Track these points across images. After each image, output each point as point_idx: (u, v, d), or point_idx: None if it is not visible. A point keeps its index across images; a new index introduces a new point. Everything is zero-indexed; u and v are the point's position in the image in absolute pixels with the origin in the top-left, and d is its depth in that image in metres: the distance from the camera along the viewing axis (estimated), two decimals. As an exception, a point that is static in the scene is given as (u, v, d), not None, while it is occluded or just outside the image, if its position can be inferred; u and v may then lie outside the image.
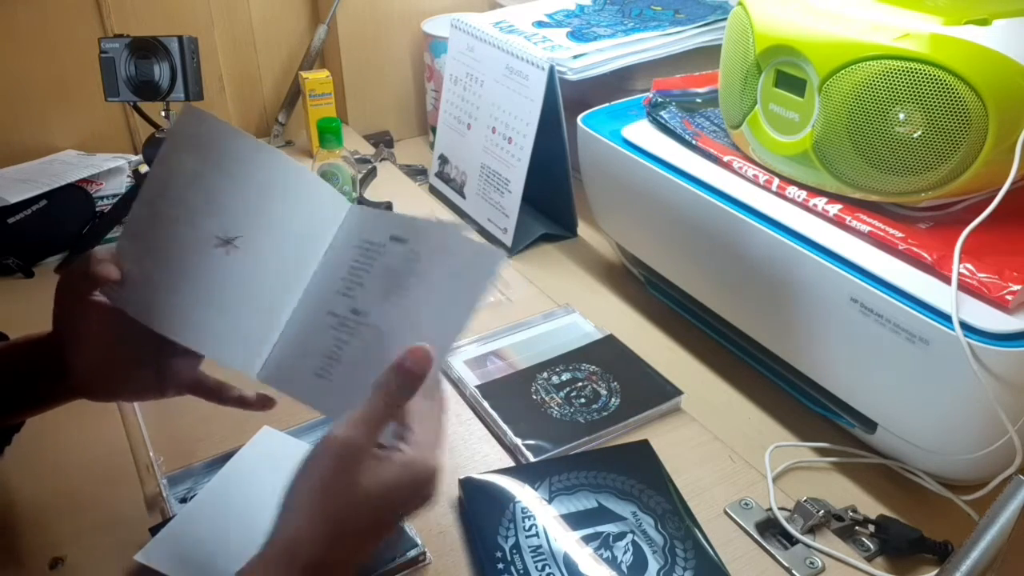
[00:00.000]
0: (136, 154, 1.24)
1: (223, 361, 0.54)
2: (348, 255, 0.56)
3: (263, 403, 0.62)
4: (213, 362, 0.57)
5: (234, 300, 0.54)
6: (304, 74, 1.31)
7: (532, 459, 0.71)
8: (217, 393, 0.61)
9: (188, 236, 0.54)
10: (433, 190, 1.27)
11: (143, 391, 0.59)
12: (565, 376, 0.80)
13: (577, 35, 1.13)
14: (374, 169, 1.30)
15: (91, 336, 0.54)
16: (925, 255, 0.63)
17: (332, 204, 0.58)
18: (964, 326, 0.59)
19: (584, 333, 0.88)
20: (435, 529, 0.65)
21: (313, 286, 0.57)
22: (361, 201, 1.16)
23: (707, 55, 1.09)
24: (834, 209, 0.70)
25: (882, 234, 0.66)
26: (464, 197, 1.17)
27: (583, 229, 1.14)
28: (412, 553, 0.62)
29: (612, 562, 0.61)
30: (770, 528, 0.65)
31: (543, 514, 0.64)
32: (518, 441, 0.72)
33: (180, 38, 0.99)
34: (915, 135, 0.64)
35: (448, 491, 0.69)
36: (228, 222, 0.55)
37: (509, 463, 0.72)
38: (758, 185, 0.77)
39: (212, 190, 0.55)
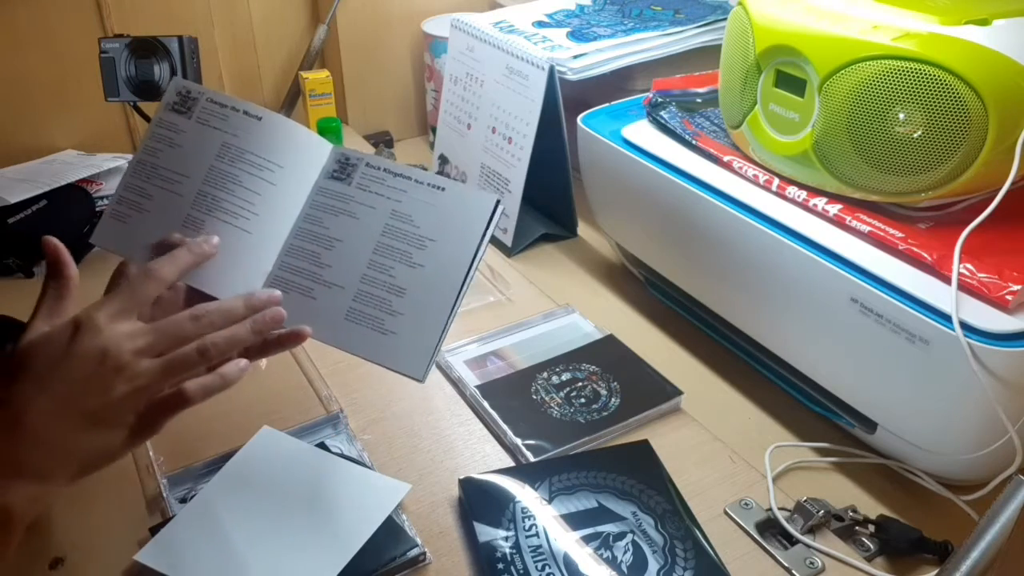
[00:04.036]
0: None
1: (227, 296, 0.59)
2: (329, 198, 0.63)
3: (296, 337, 0.61)
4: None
5: (240, 245, 0.58)
6: (304, 74, 1.31)
7: (532, 459, 0.71)
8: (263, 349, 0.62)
9: (188, 194, 0.60)
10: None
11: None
12: (565, 376, 0.80)
13: (577, 35, 1.13)
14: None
15: None
16: (925, 255, 0.63)
17: (316, 148, 0.64)
18: (964, 326, 0.59)
19: (584, 333, 0.88)
20: (435, 529, 0.65)
21: (300, 221, 0.62)
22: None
23: (707, 55, 1.09)
24: (834, 209, 0.70)
25: (882, 234, 0.66)
26: (464, 197, 1.17)
27: (583, 229, 1.13)
28: (412, 553, 0.62)
29: (612, 562, 0.61)
30: (770, 528, 0.65)
31: (543, 514, 0.64)
32: (518, 441, 0.72)
33: (180, 38, 1.00)
34: (915, 135, 0.64)
35: (448, 491, 0.69)
36: (225, 179, 0.60)
37: (509, 463, 0.72)
38: (758, 185, 0.77)
39: (203, 151, 0.61)
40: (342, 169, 0.63)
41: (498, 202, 0.59)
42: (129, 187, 0.61)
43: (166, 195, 0.60)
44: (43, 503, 0.51)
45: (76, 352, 0.50)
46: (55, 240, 0.55)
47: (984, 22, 0.63)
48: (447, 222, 0.60)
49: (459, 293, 0.58)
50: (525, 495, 0.66)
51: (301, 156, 0.62)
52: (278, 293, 0.58)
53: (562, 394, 0.78)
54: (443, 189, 0.60)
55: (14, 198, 1.02)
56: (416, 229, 0.60)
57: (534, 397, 0.78)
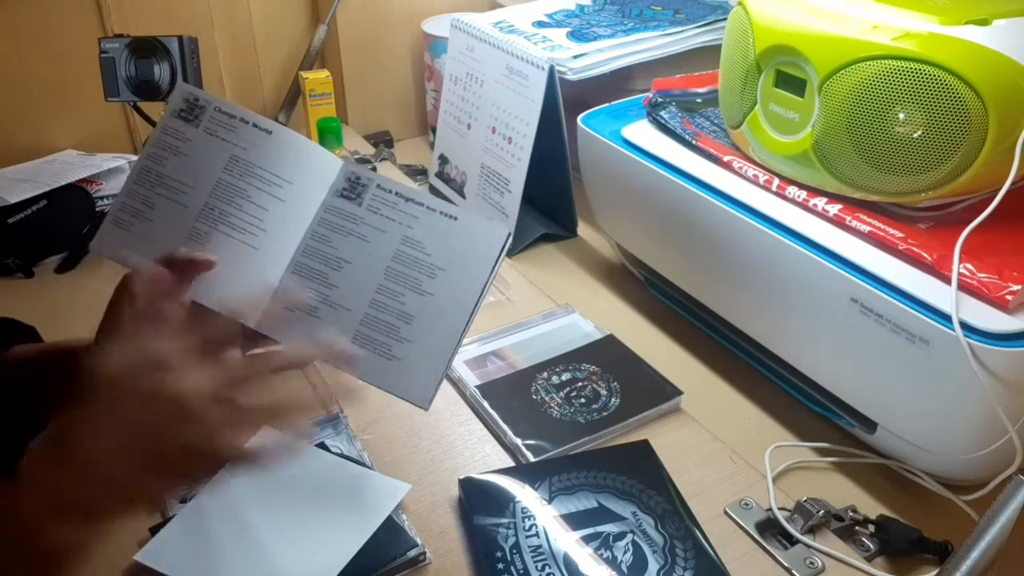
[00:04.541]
0: (136, 154, 1.24)
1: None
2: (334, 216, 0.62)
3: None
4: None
5: (247, 261, 0.58)
6: (304, 74, 1.31)
7: (532, 459, 0.71)
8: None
9: (194, 205, 0.59)
10: (433, 190, 1.27)
11: None
12: (565, 376, 0.80)
13: (577, 35, 1.13)
14: (374, 169, 1.30)
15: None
16: (925, 255, 0.63)
17: (326, 164, 0.62)
18: (964, 326, 0.59)
19: (584, 333, 0.88)
20: (435, 529, 0.65)
21: (308, 239, 0.61)
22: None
23: (707, 55, 1.09)
24: (834, 209, 0.70)
25: (882, 234, 0.66)
26: (464, 197, 1.17)
27: (583, 229, 1.14)
28: (412, 553, 0.62)
29: (612, 562, 0.61)
30: (770, 528, 0.65)
31: (543, 514, 0.64)
32: (518, 441, 0.72)
33: (180, 38, 1.00)
34: (915, 135, 0.64)
35: (448, 491, 0.69)
36: (232, 193, 0.59)
37: (509, 463, 0.72)
38: (758, 185, 0.77)
39: (210, 162, 0.60)
40: (352, 188, 0.62)
41: (509, 234, 0.59)
42: (132, 194, 0.60)
43: (171, 205, 0.59)
44: (84, 550, 0.46)
45: (152, 393, 0.46)
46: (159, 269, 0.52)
47: (984, 22, 0.63)
48: (458, 252, 0.59)
49: (467, 323, 0.58)
50: (525, 495, 0.66)
51: (311, 173, 0.62)
52: (361, 352, 0.56)
53: (562, 394, 0.78)
54: (455, 219, 0.60)
55: (14, 198, 1.01)
56: (427, 257, 0.60)
57: (534, 397, 0.78)
